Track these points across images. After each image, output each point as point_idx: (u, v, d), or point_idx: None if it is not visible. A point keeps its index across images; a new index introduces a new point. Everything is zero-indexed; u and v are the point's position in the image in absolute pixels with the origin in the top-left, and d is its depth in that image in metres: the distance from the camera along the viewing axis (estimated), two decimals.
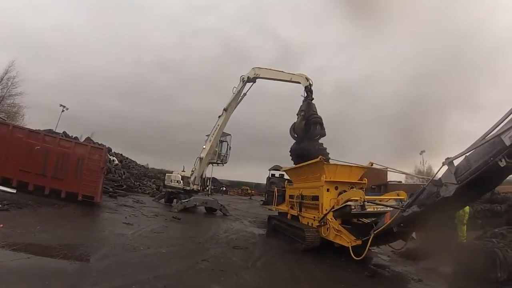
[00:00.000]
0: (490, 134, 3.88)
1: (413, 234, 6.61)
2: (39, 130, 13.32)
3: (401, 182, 29.45)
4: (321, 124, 10.31)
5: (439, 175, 4.94)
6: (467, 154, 4.39)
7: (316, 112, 10.56)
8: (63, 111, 36.84)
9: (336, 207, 7.05)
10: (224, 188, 46.87)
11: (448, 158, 4.68)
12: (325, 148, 10.04)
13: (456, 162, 4.62)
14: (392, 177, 31.15)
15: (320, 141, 10.37)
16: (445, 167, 4.73)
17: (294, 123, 10.87)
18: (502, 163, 3.67)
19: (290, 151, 10.95)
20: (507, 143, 3.54)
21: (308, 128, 10.35)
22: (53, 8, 74.97)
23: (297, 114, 10.89)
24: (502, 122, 3.69)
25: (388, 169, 7.86)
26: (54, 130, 20.09)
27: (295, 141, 10.88)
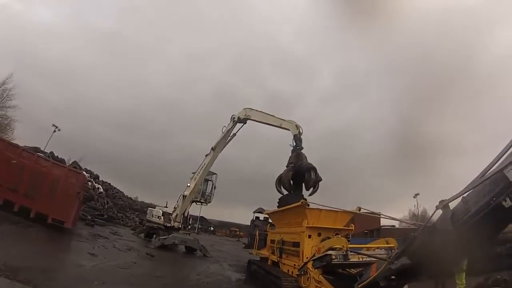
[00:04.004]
0: (490, 170, 3.25)
1: (405, 287, 5.67)
2: (23, 146, 12.96)
3: (394, 226, 27.68)
4: (315, 169, 9.80)
5: (433, 220, 4.23)
6: (465, 195, 3.72)
7: (307, 161, 10.13)
8: (55, 131, 36.75)
9: (317, 256, 6.26)
10: (212, 228, 45.16)
11: (442, 201, 3.92)
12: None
13: (452, 205, 3.94)
14: (385, 221, 29.42)
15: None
16: (439, 211, 4.03)
17: (280, 175, 10.37)
18: (507, 203, 2.96)
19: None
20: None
21: (296, 179, 9.90)
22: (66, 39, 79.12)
23: (286, 166, 10.43)
24: (504, 154, 3.05)
25: (381, 214, 7.12)
26: (42, 149, 19.66)
27: (281, 194, 10.28)
